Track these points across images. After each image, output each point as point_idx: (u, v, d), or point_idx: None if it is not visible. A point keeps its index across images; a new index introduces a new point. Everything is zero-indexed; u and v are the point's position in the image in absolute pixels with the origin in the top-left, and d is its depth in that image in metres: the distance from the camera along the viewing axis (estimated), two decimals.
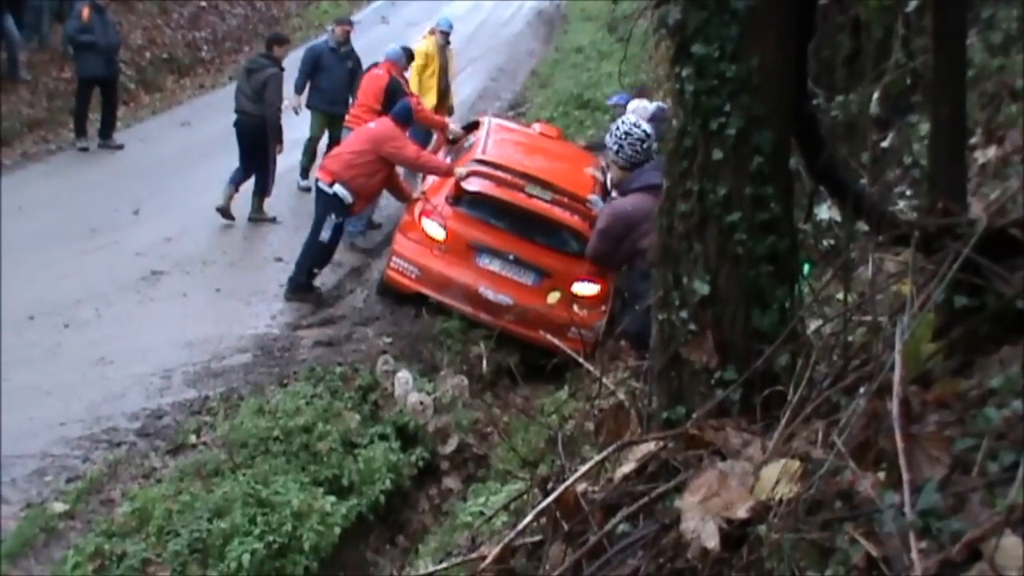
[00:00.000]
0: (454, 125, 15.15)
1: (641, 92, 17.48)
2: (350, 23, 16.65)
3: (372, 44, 20.60)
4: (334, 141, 15.16)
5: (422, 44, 16.59)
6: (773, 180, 3.93)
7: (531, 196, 11.98)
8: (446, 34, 16.78)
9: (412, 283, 12.05)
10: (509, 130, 14.41)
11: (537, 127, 15.04)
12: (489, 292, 11.73)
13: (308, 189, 14.75)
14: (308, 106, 15.66)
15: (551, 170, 12.67)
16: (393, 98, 14.07)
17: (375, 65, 14.94)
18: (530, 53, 26.94)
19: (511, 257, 11.87)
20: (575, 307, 10.98)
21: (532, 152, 13.41)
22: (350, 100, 15.36)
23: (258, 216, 14.48)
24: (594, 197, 11.63)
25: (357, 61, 15.95)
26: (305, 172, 15.70)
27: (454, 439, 10.25)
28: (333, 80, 15.56)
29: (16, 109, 17.23)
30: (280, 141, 14.22)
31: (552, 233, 11.93)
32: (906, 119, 9.22)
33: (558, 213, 11.93)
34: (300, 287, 12.45)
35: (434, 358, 11.40)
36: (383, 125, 12.61)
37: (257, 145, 14.12)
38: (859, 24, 8.73)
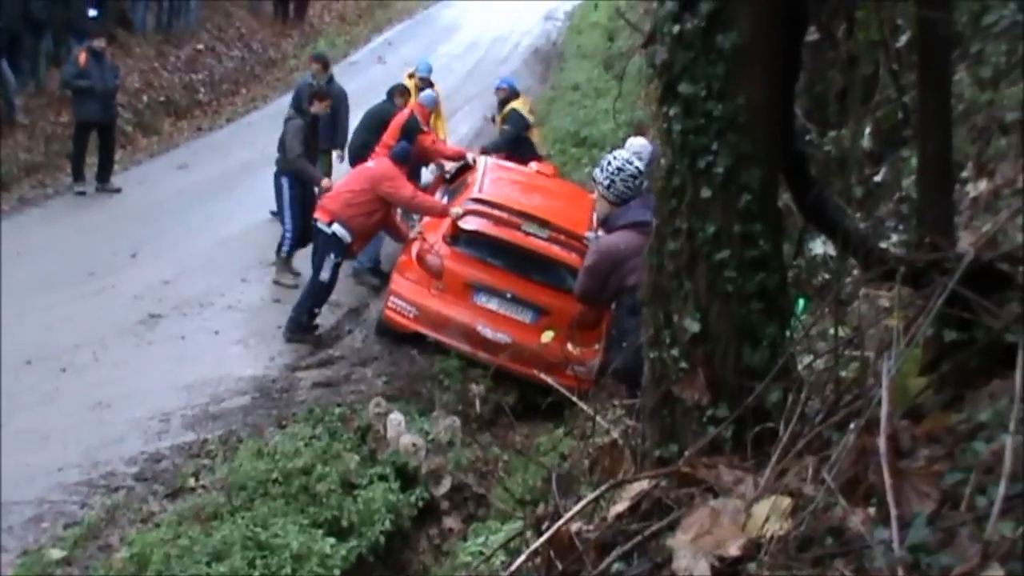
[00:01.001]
0: (448, 165, 15.21)
1: (640, 130, 17.60)
2: (323, 57, 17.09)
3: (369, 84, 20.74)
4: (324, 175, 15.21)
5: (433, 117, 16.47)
6: (762, 217, 3.95)
7: (528, 234, 12.03)
8: (425, 79, 16.74)
9: (410, 322, 12.07)
10: (505, 168, 14.45)
11: (534, 165, 15.08)
12: (487, 330, 11.75)
13: None
14: None
15: (548, 208, 12.72)
16: (409, 136, 14.26)
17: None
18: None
19: (509, 295, 11.90)
20: (570, 345, 10.96)
21: (528, 190, 13.46)
22: (338, 134, 15.71)
23: (277, 278, 14.18)
24: (591, 234, 11.62)
25: (339, 97, 15.87)
26: None
27: (447, 480, 10.20)
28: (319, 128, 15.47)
29: (13, 153, 17.24)
30: (316, 184, 13.95)
31: (549, 271, 11.96)
32: (898, 153, 9.26)
33: (555, 251, 11.97)
34: (300, 327, 12.46)
35: (434, 397, 11.39)
36: (381, 164, 12.67)
37: (277, 195, 14.09)
38: (850, 59, 8.77)
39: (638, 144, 12.83)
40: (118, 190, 16.94)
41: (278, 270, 14.07)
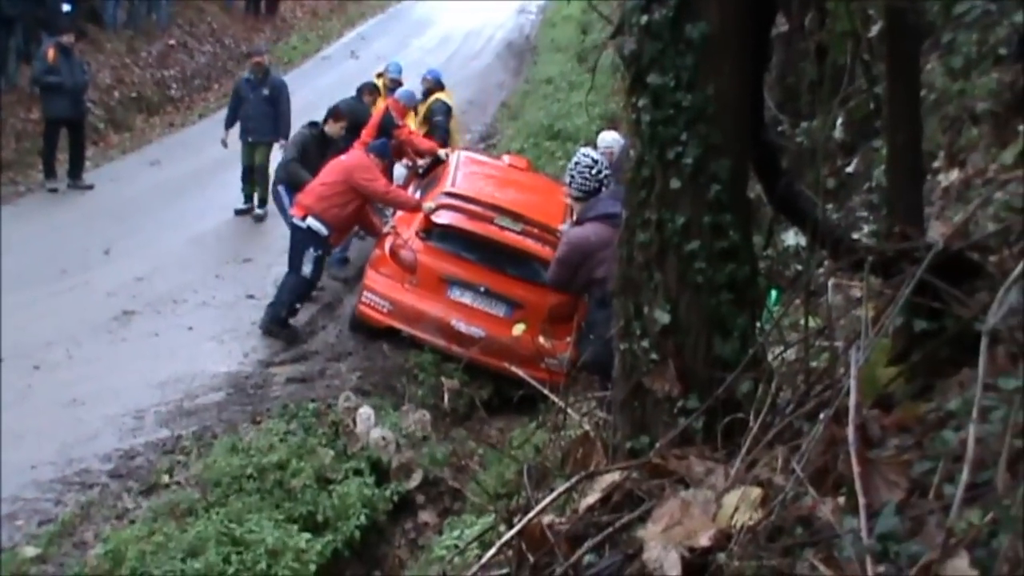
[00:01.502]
0: (421, 160, 15.18)
1: (613, 123, 17.63)
2: (261, 54, 17.42)
3: (342, 79, 20.73)
4: (257, 170, 15.84)
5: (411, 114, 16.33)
6: (732, 208, 3.95)
7: (501, 228, 12.03)
8: (395, 80, 16.62)
9: (384, 317, 12.06)
10: (478, 163, 14.46)
11: (506, 159, 15.08)
12: (461, 324, 11.75)
13: (245, 212, 15.95)
14: (239, 137, 16.02)
15: (521, 201, 12.74)
16: (385, 131, 14.39)
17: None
18: (500, 85, 27.02)
19: (482, 289, 11.91)
20: (542, 338, 10.95)
21: (501, 184, 13.46)
22: (278, 129, 15.85)
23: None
24: (565, 227, 11.66)
25: (277, 88, 16.25)
26: (248, 198, 16.10)
27: (418, 474, 10.19)
28: (250, 110, 15.95)
29: None
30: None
31: (523, 264, 11.98)
32: (870, 144, 9.28)
33: (528, 244, 11.99)
34: (278, 322, 12.40)
35: (408, 392, 11.37)
36: (356, 157, 12.66)
37: (278, 206, 14.05)
38: (822, 50, 8.78)
39: (610, 138, 12.94)
40: (90, 187, 16.87)
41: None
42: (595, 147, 12.00)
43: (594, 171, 8.90)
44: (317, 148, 13.69)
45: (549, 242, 11.79)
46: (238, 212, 15.99)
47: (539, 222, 12.26)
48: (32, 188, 16.73)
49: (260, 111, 15.87)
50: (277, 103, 15.96)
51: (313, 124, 14.09)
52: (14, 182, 16.90)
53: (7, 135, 17.83)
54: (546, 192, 13.66)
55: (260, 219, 15.83)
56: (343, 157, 12.80)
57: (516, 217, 12.25)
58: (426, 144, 15.17)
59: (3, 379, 10.60)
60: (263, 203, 15.75)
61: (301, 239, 12.26)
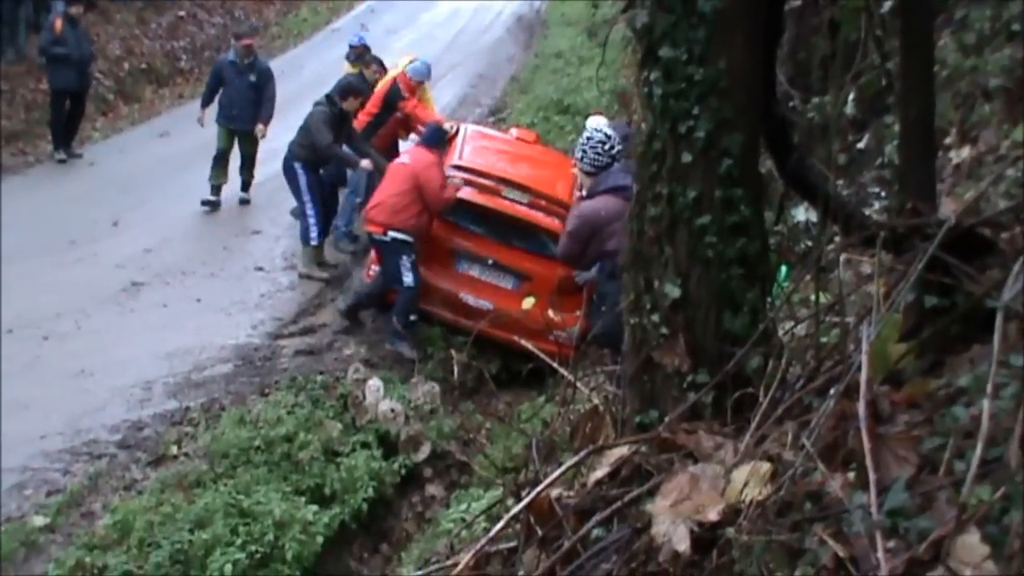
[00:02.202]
0: None
1: (623, 98, 17.59)
2: (250, 36, 16.27)
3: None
4: (246, 158, 15.20)
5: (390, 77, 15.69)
6: (743, 183, 3.93)
7: (509, 200, 12.00)
8: (420, 82, 16.18)
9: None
10: (486, 136, 14.37)
11: (515, 132, 15.02)
12: (469, 297, 11.75)
13: (211, 204, 14.96)
14: (216, 120, 15.16)
15: (528, 174, 12.71)
16: (390, 104, 14.33)
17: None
18: (510, 59, 26.89)
19: (490, 262, 11.89)
20: (551, 311, 10.94)
21: (509, 157, 13.39)
22: (264, 111, 15.09)
23: (305, 271, 13.62)
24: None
25: (263, 73, 15.36)
26: (216, 189, 15.06)
27: (426, 447, 10.21)
28: (234, 95, 15.03)
29: None
30: (354, 167, 13.73)
31: (531, 237, 11.97)
32: (881, 120, 9.25)
33: (536, 216, 11.96)
34: (399, 336, 11.79)
35: (416, 365, 11.37)
36: (419, 156, 12.11)
37: (291, 185, 13.56)
38: (834, 26, 8.74)
39: (600, 122, 13.03)
40: (80, 156, 16.88)
41: (305, 262, 13.54)
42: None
43: (607, 146, 8.90)
44: (337, 126, 13.54)
45: (557, 214, 11.78)
46: (206, 203, 15.01)
47: (547, 194, 12.24)
48: (41, 159, 16.73)
49: (245, 97, 15.03)
50: (263, 90, 15.17)
51: (330, 102, 13.55)
52: (23, 152, 16.93)
53: (16, 106, 17.84)
54: (555, 165, 13.60)
55: (246, 202, 15.28)
56: (405, 160, 12.26)
57: (524, 190, 12.20)
58: (432, 117, 15.02)
59: (11, 350, 10.62)
60: (247, 186, 15.30)
61: (391, 251, 11.73)
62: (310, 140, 13.20)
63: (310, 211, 13.19)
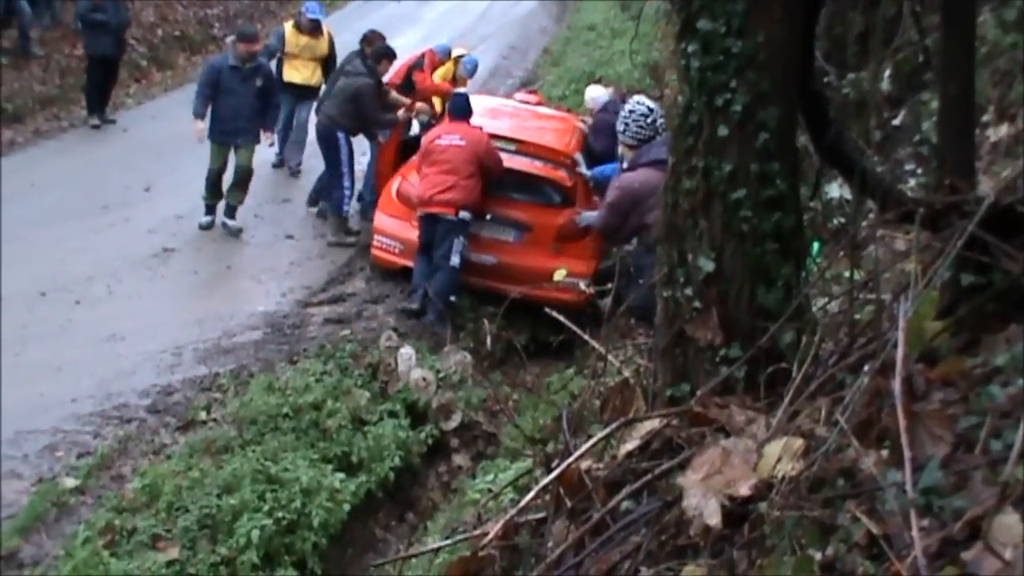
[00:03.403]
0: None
1: (655, 72, 17.54)
2: (254, 39, 13.85)
3: (384, 22, 20.57)
4: (243, 175, 13.52)
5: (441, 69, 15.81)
6: (779, 157, 3.91)
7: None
8: (464, 78, 16.01)
9: (396, 257, 12.22)
10: (484, 102, 14.21)
11: (518, 95, 15.09)
12: (471, 254, 11.84)
13: (210, 226, 13.43)
14: (209, 136, 13.41)
15: (517, 127, 12.96)
16: (410, 78, 14.50)
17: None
18: (542, 31, 26.87)
19: (488, 217, 12.01)
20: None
21: (501, 115, 13.49)
22: (265, 125, 13.77)
23: (334, 239, 13.58)
24: (578, 156, 12.40)
25: (268, 77, 13.92)
26: (210, 209, 13.56)
27: (457, 415, 10.24)
28: (235, 104, 13.33)
29: (28, 86, 17.28)
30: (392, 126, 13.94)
31: (527, 187, 12.19)
32: (918, 97, 9.18)
33: (528, 165, 12.20)
34: (442, 318, 11.70)
35: (441, 336, 11.40)
36: (472, 133, 11.98)
37: (331, 153, 13.41)
38: (871, 1, 8.69)
39: (595, 92, 13.17)
40: (113, 121, 17.00)
41: (334, 231, 13.58)
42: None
43: (649, 120, 8.91)
44: (378, 94, 13.63)
45: (551, 161, 12.16)
46: (204, 227, 13.49)
47: (535, 143, 12.44)
48: (75, 124, 16.85)
49: (248, 106, 13.40)
50: (270, 96, 13.77)
51: (371, 71, 13.51)
52: (57, 117, 17.01)
53: (52, 71, 17.92)
54: (551, 119, 13.89)
55: (237, 232, 13.50)
56: (457, 140, 11.84)
57: (510, 140, 12.38)
58: (444, 88, 15.00)
59: (44, 313, 10.72)
60: (234, 212, 13.60)
61: (452, 231, 11.64)
62: (355, 110, 13.20)
63: (347, 182, 13.31)
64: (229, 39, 14.72)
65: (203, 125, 13.26)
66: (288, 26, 15.60)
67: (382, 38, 14.23)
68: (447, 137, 11.86)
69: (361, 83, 13.30)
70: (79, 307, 11.02)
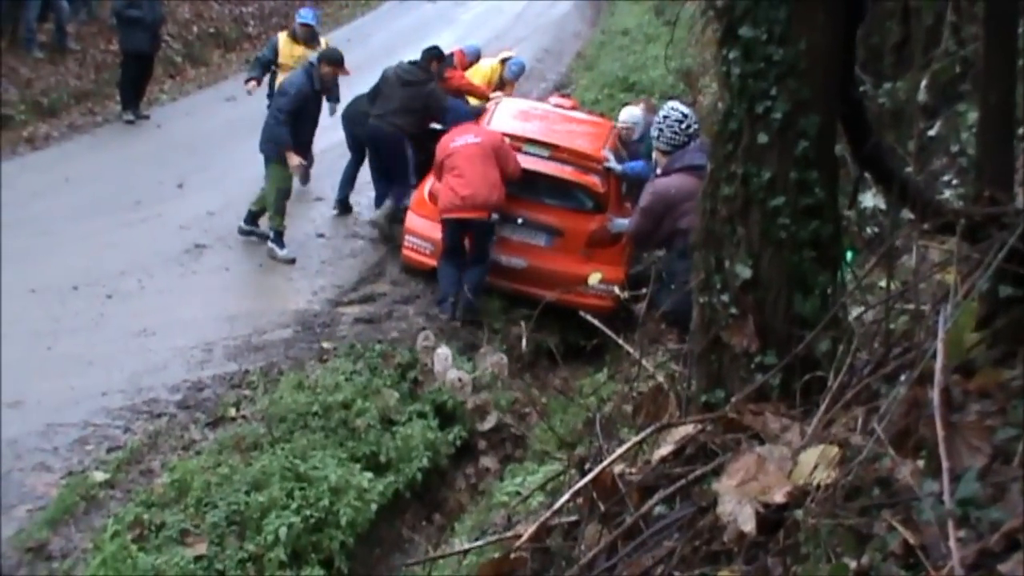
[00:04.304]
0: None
1: (689, 78, 17.52)
2: (342, 64, 13.54)
3: (419, 22, 20.65)
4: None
5: (487, 66, 15.82)
6: (818, 165, 3.91)
7: (530, 156, 12.16)
8: (511, 80, 16.02)
9: (427, 258, 12.20)
10: (517, 105, 14.26)
11: (552, 100, 15.08)
12: (501, 258, 11.89)
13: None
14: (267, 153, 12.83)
15: (551, 131, 12.90)
16: (442, 75, 14.33)
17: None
18: (576, 35, 26.85)
19: (520, 220, 12.01)
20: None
21: (535, 120, 13.48)
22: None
23: (382, 224, 13.54)
24: (606, 152, 12.26)
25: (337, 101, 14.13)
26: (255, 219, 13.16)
27: (492, 417, 10.28)
28: (311, 128, 13.26)
29: (63, 80, 17.39)
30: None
31: (559, 192, 12.20)
32: (954, 107, 9.14)
33: (561, 170, 12.20)
34: (475, 310, 11.84)
35: (474, 337, 11.42)
36: (487, 135, 12.01)
37: (397, 158, 13.43)
38: (908, 10, 8.65)
39: (630, 114, 13.14)
40: (147, 117, 17.10)
41: (386, 217, 13.55)
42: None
43: (683, 125, 8.93)
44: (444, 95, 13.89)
45: (583, 167, 12.16)
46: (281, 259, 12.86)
47: (569, 148, 12.38)
48: (109, 119, 16.93)
49: (314, 131, 13.34)
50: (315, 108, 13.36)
51: (425, 71, 13.61)
52: (92, 112, 17.12)
53: (87, 66, 18.03)
54: (585, 124, 13.85)
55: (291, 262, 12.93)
56: (474, 139, 11.81)
57: (543, 145, 12.36)
58: (478, 89, 14.98)
59: (76, 306, 10.79)
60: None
61: (486, 233, 11.72)
62: (424, 117, 13.43)
63: (413, 180, 13.34)
64: (312, 57, 13.70)
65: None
66: (283, 36, 15.03)
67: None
68: (461, 139, 11.85)
69: (431, 88, 13.55)
70: (111, 301, 11.07)
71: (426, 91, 13.47)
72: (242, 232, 13.15)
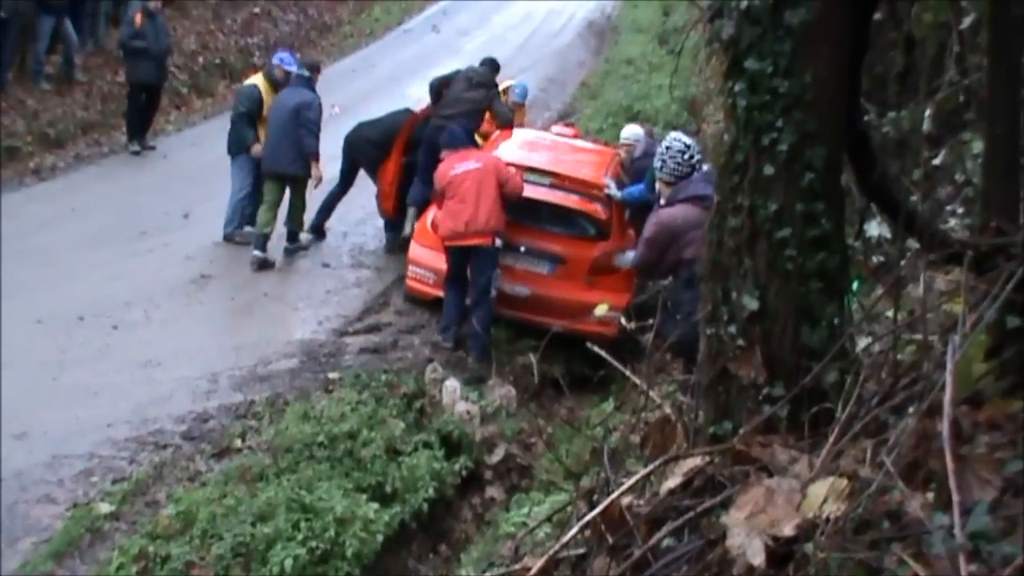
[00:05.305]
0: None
1: (694, 106, 17.57)
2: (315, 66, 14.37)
3: (423, 52, 20.70)
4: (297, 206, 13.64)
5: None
6: (824, 196, 3.91)
7: (531, 184, 12.15)
8: (519, 103, 16.34)
9: (430, 288, 12.21)
10: (520, 135, 14.39)
11: (554, 129, 15.16)
12: (505, 286, 11.85)
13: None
14: (295, 171, 13.35)
15: (552, 160, 13.00)
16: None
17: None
18: (580, 64, 26.90)
19: (522, 249, 12.02)
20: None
21: (537, 148, 13.62)
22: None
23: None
24: (607, 179, 12.34)
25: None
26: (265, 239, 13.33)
27: (500, 449, 10.28)
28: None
29: (70, 111, 17.49)
30: None
31: (561, 220, 12.22)
32: (959, 137, 9.15)
33: (563, 198, 12.26)
34: (486, 350, 11.69)
35: (481, 368, 11.41)
36: (487, 158, 12.11)
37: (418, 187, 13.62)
38: (912, 41, 8.68)
39: (632, 132, 13.21)
40: (153, 148, 17.19)
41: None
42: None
43: (686, 156, 8.95)
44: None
45: (585, 194, 12.24)
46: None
47: (573, 177, 12.47)
48: (115, 150, 17.02)
49: (290, 135, 13.24)
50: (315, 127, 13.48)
51: (495, 84, 14.42)
52: (98, 143, 17.20)
53: (93, 96, 18.11)
54: (587, 152, 13.98)
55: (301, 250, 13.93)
56: (475, 164, 11.83)
57: (544, 173, 12.44)
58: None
59: (82, 337, 10.80)
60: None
61: (490, 259, 11.62)
62: (479, 123, 14.03)
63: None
64: (300, 69, 13.93)
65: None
66: (259, 83, 14.20)
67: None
68: (462, 165, 11.80)
69: (495, 93, 14.26)
70: (117, 332, 11.09)
71: (492, 95, 14.07)
72: (288, 252, 13.59)
